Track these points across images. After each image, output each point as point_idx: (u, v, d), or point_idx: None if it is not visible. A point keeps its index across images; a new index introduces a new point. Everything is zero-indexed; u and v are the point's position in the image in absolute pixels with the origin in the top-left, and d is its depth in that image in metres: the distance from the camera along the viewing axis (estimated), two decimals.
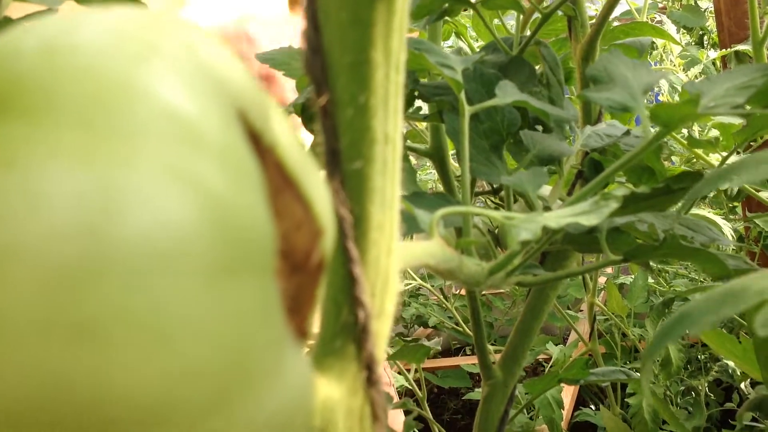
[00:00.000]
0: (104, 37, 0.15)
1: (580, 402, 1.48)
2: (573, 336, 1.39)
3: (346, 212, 0.22)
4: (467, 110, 0.35)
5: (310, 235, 0.18)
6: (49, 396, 0.13)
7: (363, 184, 0.23)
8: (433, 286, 1.44)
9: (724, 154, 0.68)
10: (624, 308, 1.24)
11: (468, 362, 1.63)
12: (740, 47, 1.17)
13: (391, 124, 0.23)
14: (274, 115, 0.18)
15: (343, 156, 0.22)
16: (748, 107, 0.29)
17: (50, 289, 0.13)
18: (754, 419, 1.19)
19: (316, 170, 0.19)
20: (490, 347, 1.30)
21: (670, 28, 1.16)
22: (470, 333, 1.32)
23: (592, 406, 1.47)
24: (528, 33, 0.55)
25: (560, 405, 1.10)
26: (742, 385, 1.27)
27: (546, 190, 0.50)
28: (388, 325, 0.24)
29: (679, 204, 0.41)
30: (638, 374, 0.61)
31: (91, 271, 0.13)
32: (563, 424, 1.13)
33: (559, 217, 0.30)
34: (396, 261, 0.24)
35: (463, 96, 0.35)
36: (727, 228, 1.17)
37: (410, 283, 1.43)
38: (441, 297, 1.47)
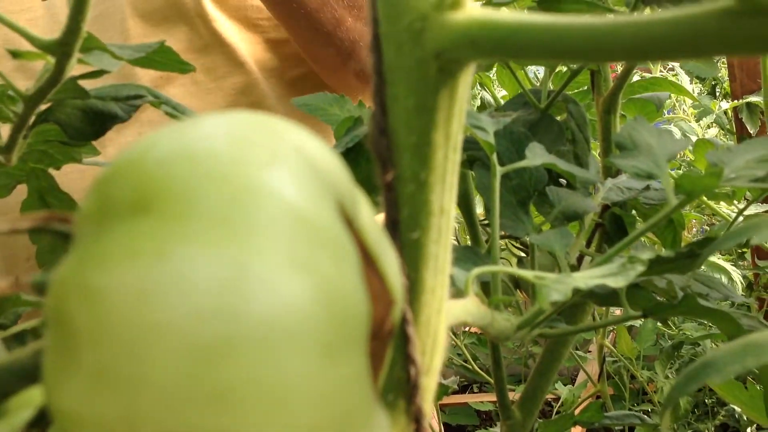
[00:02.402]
0: (235, 145, 0.17)
1: None
2: (581, 376, 1.40)
3: (403, 278, 0.24)
4: (498, 170, 0.38)
5: (385, 306, 0.21)
6: None
7: (419, 252, 0.25)
8: None
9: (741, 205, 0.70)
10: (633, 350, 1.26)
11: (475, 400, 1.64)
12: (752, 98, 1.20)
13: (446, 199, 0.25)
14: (360, 199, 0.21)
15: (403, 226, 0.25)
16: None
17: (194, 360, 0.15)
18: None
19: (389, 247, 0.22)
20: None
21: (683, 77, 1.19)
22: (478, 370, 1.33)
23: None
24: (551, 84, 0.58)
25: None
26: (749, 430, 1.28)
27: None
28: (435, 381, 0.26)
29: None
30: (649, 419, 0.63)
31: (226, 345, 0.15)
32: None
33: (587, 278, 0.32)
34: (445, 321, 0.26)
35: (495, 158, 0.38)
36: (736, 274, 1.19)
37: None
38: (451, 335, 1.49)
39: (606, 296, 0.40)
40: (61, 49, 0.34)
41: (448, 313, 0.29)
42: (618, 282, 0.31)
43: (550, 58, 0.49)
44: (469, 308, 0.31)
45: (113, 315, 0.16)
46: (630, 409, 1.16)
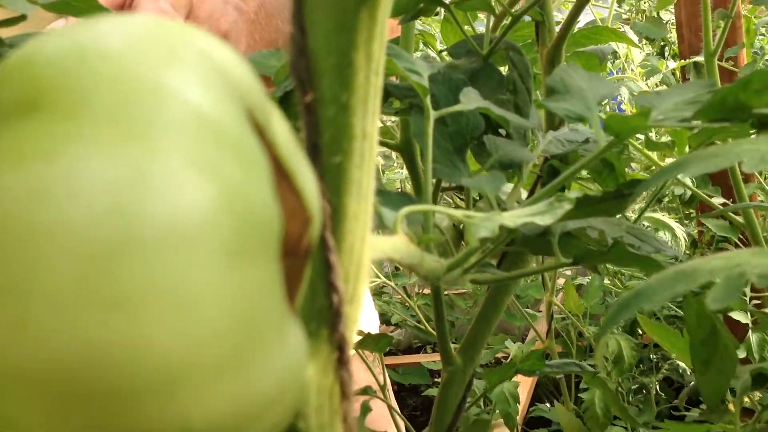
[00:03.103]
0: (131, 44, 0.17)
1: (535, 398, 1.52)
2: (531, 335, 1.42)
3: (324, 203, 0.24)
4: (432, 114, 0.38)
5: (301, 223, 0.21)
6: (86, 358, 0.15)
7: (341, 177, 0.25)
8: (396, 284, 1.46)
9: None
10: (580, 307, 1.28)
11: (428, 359, 1.66)
12: (698, 58, 1.21)
13: (369, 122, 0.25)
14: (273, 113, 0.20)
15: (324, 151, 0.24)
16: (695, 121, 0.32)
17: (87, 263, 0.15)
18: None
19: (306, 163, 0.22)
20: (451, 345, 1.33)
21: (633, 38, 1.20)
22: (432, 331, 1.34)
23: (548, 403, 1.51)
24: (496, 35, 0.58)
25: (516, 400, 1.13)
26: (692, 384, 1.32)
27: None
28: (359, 310, 0.26)
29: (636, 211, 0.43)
30: (591, 368, 0.64)
31: (123, 248, 0.15)
32: (519, 419, 1.15)
33: (515, 216, 0.32)
34: (368, 250, 0.26)
35: (428, 100, 0.38)
36: (680, 231, 1.21)
37: (374, 281, 1.45)
38: (404, 295, 1.50)
39: (539, 244, 0.41)
40: None
41: (375, 247, 0.29)
42: (545, 220, 0.32)
43: None
44: (398, 246, 0.31)
45: (1, 217, 0.15)
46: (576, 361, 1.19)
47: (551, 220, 0.31)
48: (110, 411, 0.15)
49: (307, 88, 0.24)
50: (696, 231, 1.30)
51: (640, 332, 1.43)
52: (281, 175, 0.20)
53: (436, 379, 1.72)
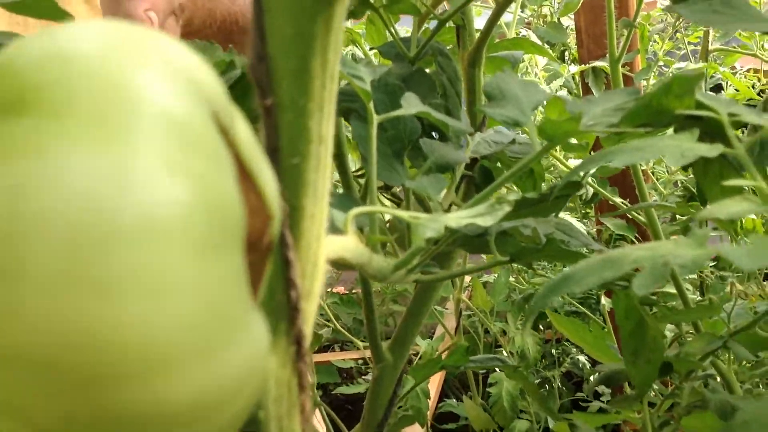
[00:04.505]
0: (108, 50, 0.18)
1: (443, 394, 1.55)
2: (439, 330, 1.45)
3: (283, 203, 0.25)
4: (375, 119, 0.38)
5: (262, 221, 0.21)
6: (70, 341, 0.16)
7: (299, 179, 0.25)
8: None
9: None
10: (487, 303, 1.32)
11: (338, 358, 1.66)
12: (597, 63, 1.27)
13: (325, 127, 0.25)
14: (236, 115, 0.21)
15: (283, 153, 0.25)
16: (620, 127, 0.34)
17: (72, 251, 0.16)
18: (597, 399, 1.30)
19: (266, 164, 0.22)
20: (360, 342, 1.34)
21: (534, 41, 1.24)
22: (341, 329, 1.35)
23: (454, 399, 1.55)
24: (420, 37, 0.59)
25: (427, 395, 1.15)
26: (592, 378, 1.38)
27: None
28: (315, 305, 0.27)
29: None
30: (511, 362, 0.67)
31: (106, 238, 0.16)
32: (428, 414, 1.18)
33: (458, 218, 0.33)
34: (323, 248, 0.27)
35: (371, 106, 0.38)
36: (581, 229, 1.26)
37: None
38: None
39: (477, 243, 0.42)
40: None
41: (327, 245, 0.30)
42: (486, 221, 0.33)
43: None
44: (348, 246, 0.32)
45: None
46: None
47: (492, 221, 0.32)
48: (91, 392, 0.16)
49: (266, 92, 0.24)
50: (595, 229, 1.35)
51: (542, 328, 1.49)
52: (244, 174, 0.21)
53: (344, 378, 1.73)
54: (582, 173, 0.39)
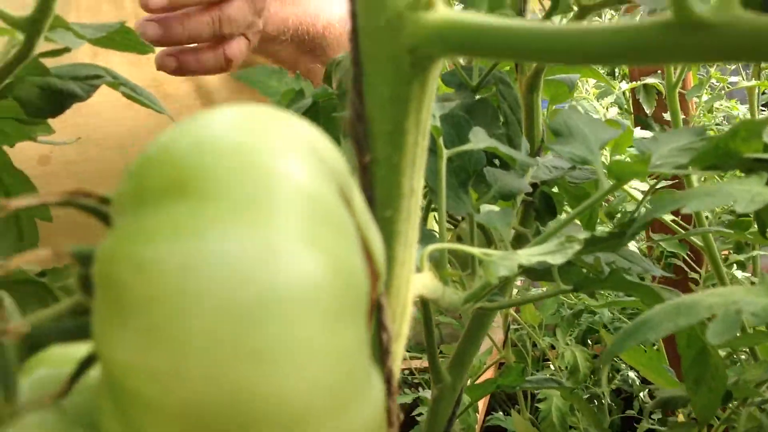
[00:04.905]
0: (254, 138, 0.20)
1: (490, 407, 1.56)
2: (486, 343, 1.46)
3: None
4: (445, 153, 0.40)
5: (372, 280, 0.23)
6: (228, 399, 0.18)
7: (391, 229, 0.27)
8: None
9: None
10: (536, 318, 1.32)
11: None
12: (648, 80, 1.27)
13: (416, 180, 0.27)
14: (353, 186, 0.23)
15: (376, 205, 0.27)
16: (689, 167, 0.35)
17: (231, 322, 0.18)
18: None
19: (375, 227, 0.24)
20: (406, 353, 1.35)
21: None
22: None
23: (501, 412, 1.55)
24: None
25: (475, 410, 1.16)
26: (641, 395, 1.38)
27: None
28: (403, 345, 0.29)
29: None
30: (559, 376, 0.68)
31: (259, 310, 0.18)
32: (477, 428, 1.19)
33: (530, 255, 0.35)
34: (411, 292, 0.29)
35: (441, 141, 0.40)
36: (632, 246, 1.26)
37: None
38: None
39: (541, 272, 0.44)
40: (32, 26, 0.34)
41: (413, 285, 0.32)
42: (557, 259, 0.35)
43: (509, 57, 0.52)
44: (426, 282, 0.34)
45: (161, 283, 0.18)
46: (532, 374, 1.23)
47: (563, 259, 0.34)
48: None
49: (364, 150, 0.26)
50: (646, 246, 1.35)
51: (590, 342, 1.49)
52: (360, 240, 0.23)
53: None
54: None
